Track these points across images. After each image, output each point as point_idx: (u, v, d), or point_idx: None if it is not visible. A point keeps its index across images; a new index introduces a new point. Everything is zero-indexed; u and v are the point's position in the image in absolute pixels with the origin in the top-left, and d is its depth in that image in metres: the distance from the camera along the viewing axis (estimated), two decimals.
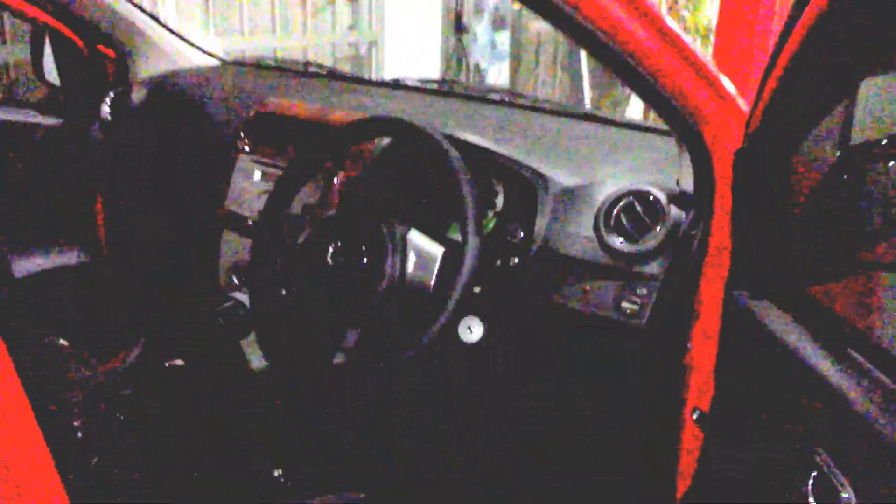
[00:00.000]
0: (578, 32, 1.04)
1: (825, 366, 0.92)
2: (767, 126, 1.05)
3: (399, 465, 1.47)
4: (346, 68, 4.28)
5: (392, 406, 1.42)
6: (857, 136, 1.06)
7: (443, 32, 4.58)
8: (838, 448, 0.89)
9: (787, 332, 1.02)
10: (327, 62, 3.98)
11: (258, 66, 2.24)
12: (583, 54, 4.45)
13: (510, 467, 1.47)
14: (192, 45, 2.26)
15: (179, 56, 2.20)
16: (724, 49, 3.48)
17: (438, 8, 4.49)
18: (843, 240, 1.09)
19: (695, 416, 1.29)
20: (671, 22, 1.10)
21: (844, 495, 0.84)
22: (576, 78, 4.79)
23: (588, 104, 4.90)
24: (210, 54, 2.28)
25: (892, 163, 1.04)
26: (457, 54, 4.67)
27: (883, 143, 1.04)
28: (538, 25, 5.02)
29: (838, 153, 1.10)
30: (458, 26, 4.64)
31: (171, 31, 2.24)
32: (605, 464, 1.40)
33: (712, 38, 4.15)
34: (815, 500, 0.88)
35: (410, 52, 4.41)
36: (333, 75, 2.16)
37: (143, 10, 2.21)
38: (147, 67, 2.15)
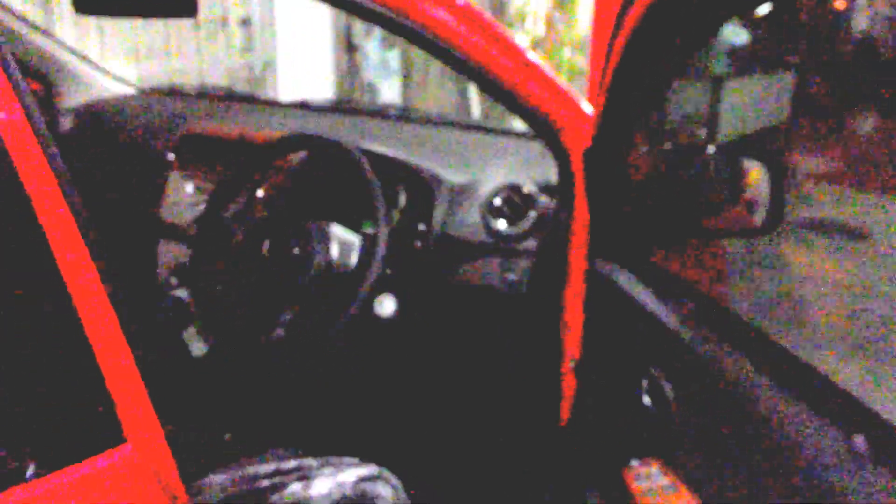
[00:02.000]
0: (446, 57, 1.33)
1: (658, 308, 1.24)
2: (602, 129, 1.37)
3: (334, 424, 1.73)
4: (243, 89, 4.47)
5: (324, 367, 1.67)
6: (670, 133, 1.39)
7: (334, 52, 4.83)
8: (664, 362, 1.21)
9: (631, 287, 1.34)
10: (224, 84, 4.17)
11: (173, 92, 2.45)
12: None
13: (428, 417, 1.75)
14: (110, 74, 2.45)
15: (98, 86, 2.39)
16: (596, 59, 3.87)
17: (329, 28, 4.75)
18: (669, 215, 1.43)
19: (572, 366, 1.60)
20: (530, 52, 1.41)
21: (668, 390, 1.16)
22: (464, 93, 5.13)
23: (477, 115, 5.25)
24: (126, 83, 2.47)
25: (706, 156, 1.38)
26: (349, 73, 4.93)
27: (702, 143, 1.37)
28: None
29: (665, 148, 1.43)
30: (349, 46, 4.91)
31: (90, 62, 2.42)
32: (500, 407, 1.70)
33: (587, 49, 4.57)
34: (649, 396, 1.20)
35: (305, 71, 4.64)
36: (247, 99, 2.41)
37: (62, 43, 2.39)
38: (69, 98, 2.32)
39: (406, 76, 5.10)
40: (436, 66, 5.34)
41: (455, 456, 1.74)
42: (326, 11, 4.70)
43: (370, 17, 1.28)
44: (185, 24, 4.23)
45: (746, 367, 1.00)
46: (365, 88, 4.95)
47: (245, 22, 4.59)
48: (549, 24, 5.34)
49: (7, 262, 0.69)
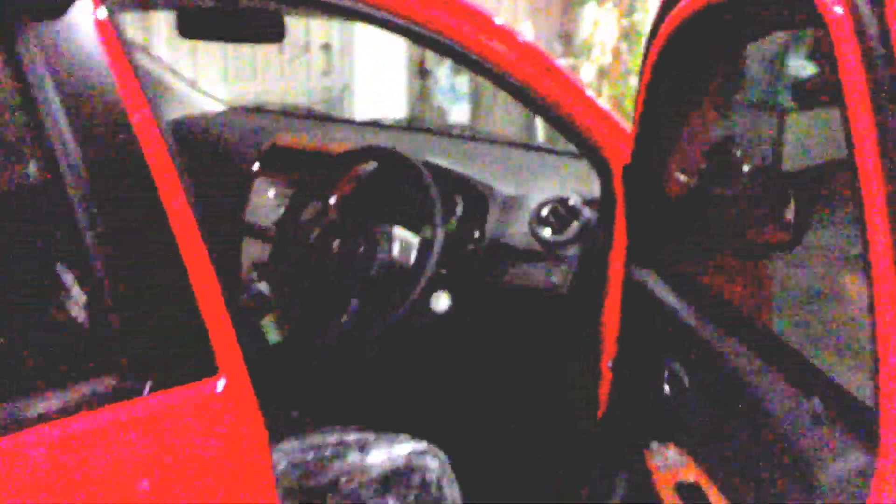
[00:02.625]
0: (509, 88, 1.52)
1: (681, 309, 1.40)
2: (639, 147, 1.53)
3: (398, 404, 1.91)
4: (321, 109, 4.74)
5: (383, 353, 1.86)
6: (705, 152, 1.54)
7: (408, 77, 5.09)
8: (682, 355, 1.36)
9: (660, 290, 1.50)
10: (304, 104, 4.44)
11: (259, 110, 2.70)
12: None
13: (474, 402, 1.93)
14: (202, 93, 2.72)
15: (192, 103, 2.65)
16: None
17: (403, 54, 5.01)
18: (698, 228, 1.58)
19: (609, 365, 1.75)
20: (576, 79, 1.59)
21: (684, 378, 1.31)
22: (530, 120, 5.32)
23: (541, 137, 5.43)
24: (217, 101, 2.74)
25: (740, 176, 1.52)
26: (421, 96, 5.19)
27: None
28: None
29: (699, 166, 1.58)
30: (421, 71, 5.16)
31: (185, 81, 2.70)
32: (542, 398, 1.86)
33: None
34: (669, 386, 1.35)
35: (379, 94, 4.90)
36: (325, 117, 2.65)
37: (162, 63, 2.67)
38: (167, 113, 2.59)
39: (474, 101, 5.33)
40: (502, 92, 5.55)
41: (498, 439, 1.90)
42: (401, 39, 4.96)
43: (441, 50, 1.48)
44: (270, 48, 4.53)
45: (750, 358, 1.15)
46: (435, 112, 5.19)
47: (326, 47, 4.88)
48: (616, 54, 5.49)
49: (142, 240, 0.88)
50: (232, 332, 0.91)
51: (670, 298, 1.45)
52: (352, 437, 1.70)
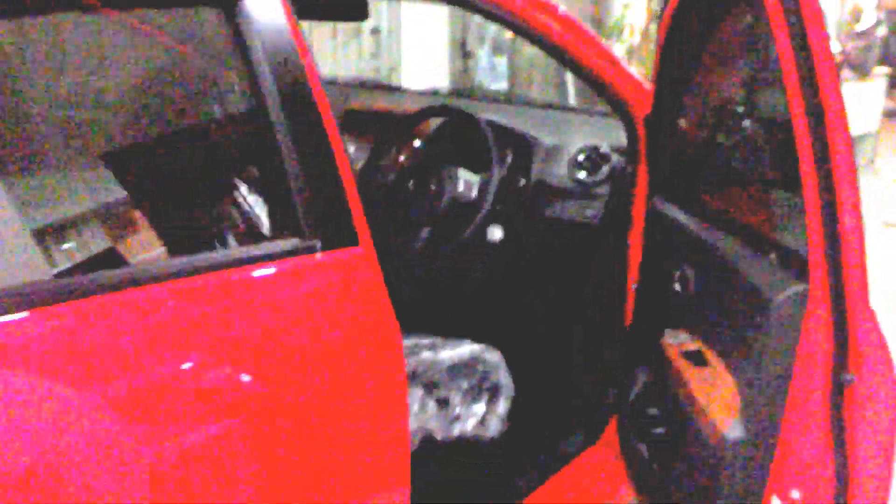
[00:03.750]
0: (552, 51, 1.90)
1: (690, 224, 1.77)
2: (656, 101, 1.91)
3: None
4: None
5: (449, 273, 2.27)
6: (701, 107, 1.92)
7: (451, 58, 5.49)
8: (688, 259, 1.73)
9: (674, 213, 1.87)
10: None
11: (332, 82, 3.10)
12: (568, 74, 5.36)
13: (523, 315, 2.33)
14: None
15: None
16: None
17: (447, 37, 5.40)
18: (702, 167, 1.95)
19: (634, 287, 2.13)
20: (607, 46, 1.97)
21: (691, 276, 1.68)
22: (562, 93, 5.70)
23: None
24: None
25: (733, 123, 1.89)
26: (463, 76, 5.59)
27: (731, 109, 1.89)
28: (531, 51, 5.98)
29: (706, 118, 1.95)
30: (463, 52, 5.56)
31: None
32: (578, 311, 2.25)
33: None
34: (679, 284, 1.73)
35: (424, 74, 5.30)
36: (389, 87, 3.06)
37: None
38: None
39: (512, 79, 5.73)
40: (537, 70, 5.94)
41: (542, 343, 2.30)
42: (445, 23, 5.35)
43: (504, 22, 1.85)
44: (324, 32, 4.95)
45: (733, 245, 1.53)
46: (476, 89, 5.60)
47: (375, 31, 5.29)
48: (645, 34, 5.84)
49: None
50: (364, 221, 1.31)
51: (682, 218, 1.83)
52: (425, 340, 2.11)
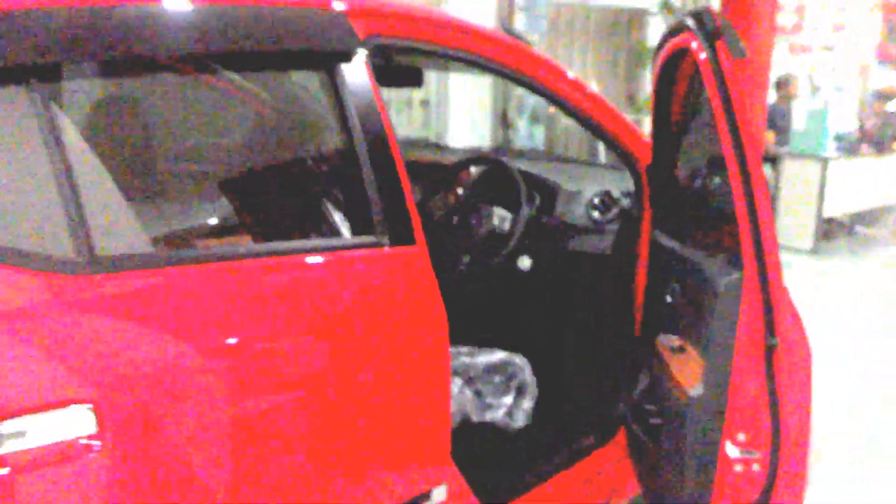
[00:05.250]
0: (575, 115, 2.37)
1: (679, 249, 2.20)
2: (654, 154, 2.37)
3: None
4: None
5: (485, 293, 2.71)
6: (692, 162, 2.37)
7: (493, 127, 6.04)
8: (679, 278, 2.16)
9: (668, 242, 2.31)
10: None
11: None
12: (599, 144, 5.87)
13: (548, 329, 2.75)
14: None
15: None
16: None
17: (489, 109, 5.97)
18: (691, 208, 2.39)
19: (642, 309, 2.55)
20: (619, 113, 2.43)
21: (678, 290, 2.10)
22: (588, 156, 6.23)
23: None
24: None
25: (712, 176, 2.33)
26: (504, 143, 6.13)
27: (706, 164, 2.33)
28: (566, 121, 6.53)
29: (690, 167, 2.40)
30: (504, 122, 6.12)
31: None
32: (595, 324, 2.67)
33: None
34: (671, 297, 2.14)
35: (469, 142, 5.85)
36: (438, 145, 3.56)
37: None
38: None
39: (548, 146, 6.27)
40: (573, 139, 6.48)
41: (562, 354, 2.72)
42: (488, 95, 5.92)
43: (540, 93, 2.30)
44: None
45: (705, 260, 1.96)
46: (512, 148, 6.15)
47: (425, 103, 5.88)
48: None
49: None
50: (420, 228, 1.76)
51: (673, 245, 2.26)
52: (463, 349, 2.54)
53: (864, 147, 7.19)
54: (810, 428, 1.76)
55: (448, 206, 2.73)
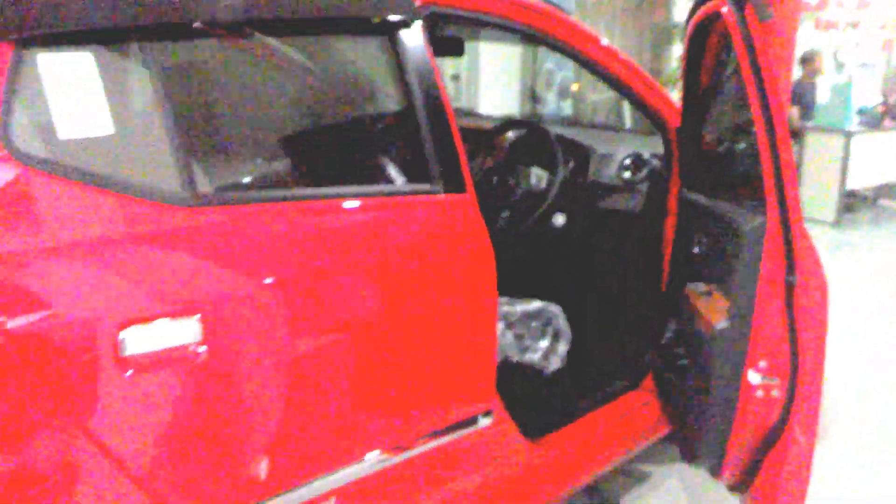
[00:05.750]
0: (609, 80, 2.53)
1: (706, 204, 2.36)
2: (684, 118, 2.53)
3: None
4: None
5: (524, 247, 2.89)
6: (720, 124, 2.53)
7: (521, 101, 6.20)
8: (704, 228, 2.32)
9: (695, 198, 2.48)
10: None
11: None
12: (626, 113, 6.01)
13: (581, 282, 2.94)
14: None
15: None
16: None
17: (518, 83, 6.12)
18: (718, 168, 2.55)
19: (669, 262, 2.73)
20: (652, 79, 2.60)
21: (704, 240, 2.27)
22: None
23: None
24: None
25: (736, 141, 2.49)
26: (533, 117, 6.29)
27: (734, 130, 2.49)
28: (593, 97, 6.67)
29: (717, 130, 2.56)
30: (533, 97, 6.27)
31: None
32: (626, 278, 2.85)
33: None
34: (699, 248, 2.31)
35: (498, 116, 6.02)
36: (475, 113, 3.74)
37: None
38: None
39: (578, 118, 6.42)
40: (599, 112, 6.62)
41: (595, 303, 2.91)
42: (517, 71, 6.07)
43: (576, 59, 2.47)
44: None
45: (732, 208, 2.12)
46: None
47: (456, 77, 6.04)
48: None
49: None
50: (469, 178, 1.94)
51: (700, 200, 2.43)
52: (503, 298, 2.73)
53: (888, 121, 7.27)
54: (824, 357, 1.93)
55: (488, 167, 2.91)
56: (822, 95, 7.18)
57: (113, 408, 1.32)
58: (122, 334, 1.32)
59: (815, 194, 7.02)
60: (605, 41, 2.44)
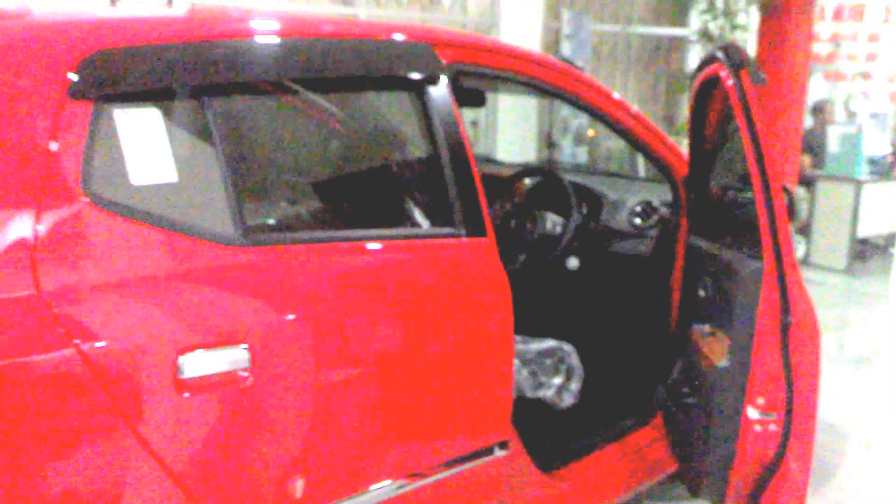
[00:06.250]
0: (620, 131, 2.70)
1: (711, 249, 2.52)
2: (691, 168, 2.70)
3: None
4: None
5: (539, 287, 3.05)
6: (724, 175, 2.69)
7: (538, 147, 6.40)
8: (710, 273, 2.47)
9: (701, 244, 2.63)
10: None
11: None
12: (640, 163, 6.21)
13: (593, 322, 3.08)
14: None
15: None
16: None
17: (535, 130, 6.33)
18: (723, 216, 2.70)
19: (677, 305, 2.87)
20: (659, 129, 2.77)
21: (710, 285, 2.42)
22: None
23: None
24: None
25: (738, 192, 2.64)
26: (549, 163, 6.49)
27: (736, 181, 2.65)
28: (608, 143, 6.87)
29: (722, 180, 2.72)
30: (549, 142, 6.47)
31: None
32: (635, 320, 2.99)
33: None
34: (704, 292, 2.46)
35: (514, 161, 6.21)
36: (493, 160, 3.92)
37: None
38: None
39: (591, 165, 6.61)
40: (614, 159, 6.82)
41: (606, 344, 3.05)
42: (534, 117, 6.27)
43: (588, 112, 2.65)
44: None
45: (733, 255, 2.27)
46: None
47: (475, 123, 6.24)
48: None
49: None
50: (490, 223, 2.10)
51: (706, 246, 2.58)
52: (518, 337, 2.87)
53: None
54: (818, 393, 2.07)
55: (506, 212, 3.08)
56: (833, 144, 7.34)
57: (171, 422, 1.47)
58: (181, 359, 1.48)
59: (827, 242, 7.14)
60: (616, 95, 2.62)
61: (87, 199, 1.43)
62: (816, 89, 8.63)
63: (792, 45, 6.06)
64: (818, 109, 7.87)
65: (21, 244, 1.35)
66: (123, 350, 1.41)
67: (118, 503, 1.43)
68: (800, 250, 7.17)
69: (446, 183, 2.01)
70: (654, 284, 2.91)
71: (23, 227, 1.36)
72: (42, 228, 1.37)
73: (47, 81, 1.44)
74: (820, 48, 8.75)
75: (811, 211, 7.26)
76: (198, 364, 1.50)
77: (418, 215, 2.12)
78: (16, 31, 1.50)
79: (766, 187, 1.98)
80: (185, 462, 1.49)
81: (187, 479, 1.50)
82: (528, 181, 3.17)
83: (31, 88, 1.43)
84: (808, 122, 7.76)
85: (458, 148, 2.03)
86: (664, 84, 8.13)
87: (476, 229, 2.04)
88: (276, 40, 1.76)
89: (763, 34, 6.12)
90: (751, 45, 7.33)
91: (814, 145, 7.58)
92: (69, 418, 1.36)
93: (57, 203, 1.40)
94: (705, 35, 7.91)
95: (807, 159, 7.47)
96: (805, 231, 7.31)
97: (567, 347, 2.82)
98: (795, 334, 1.96)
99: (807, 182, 7.28)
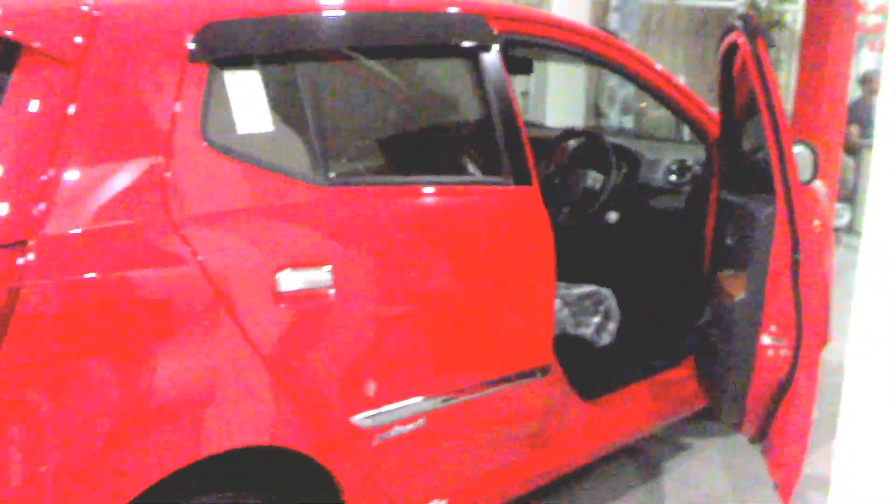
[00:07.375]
0: (657, 96, 2.95)
1: (738, 201, 2.77)
2: (722, 129, 2.94)
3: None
4: None
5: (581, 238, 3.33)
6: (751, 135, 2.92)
7: (586, 116, 6.62)
8: (735, 222, 2.72)
9: (730, 197, 2.88)
10: None
11: None
12: (684, 131, 6.39)
13: (631, 272, 3.36)
14: None
15: None
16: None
17: (582, 99, 6.55)
18: (750, 173, 2.95)
19: (709, 255, 3.13)
20: (696, 96, 3.01)
21: (735, 233, 2.68)
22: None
23: None
24: None
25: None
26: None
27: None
28: (655, 113, 7.06)
29: (750, 141, 2.96)
30: (596, 112, 6.69)
31: None
32: (671, 267, 3.25)
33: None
34: (729, 239, 2.71)
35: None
36: (541, 125, 4.21)
37: None
38: None
39: (632, 130, 6.82)
40: (660, 128, 7.02)
41: (643, 288, 3.32)
42: (582, 88, 6.50)
43: (631, 79, 2.91)
44: None
45: (753, 203, 2.52)
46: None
47: (525, 94, 6.50)
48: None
49: None
50: (535, 173, 2.39)
51: (733, 198, 2.82)
52: (561, 283, 3.17)
53: None
54: (826, 322, 2.33)
55: (552, 170, 3.37)
56: None
57: (269, 326, 1.80)
58: (279, 275, 1.80)
59: None
60: (658, 65, 2.88)
61: (205, 144, 1.76)
62: (865, 60, 8.66)
63: (839, 17, 6.15)
64: (866, 80, 7.93)
65: (155, 180, 1.69)
66: (233, 266, 1.74)
67: (228, 383, 1.75)
68: (845, 218, 7.28)
69: (496, 138, 2.29)
70: (687, 236, 3.17)
71: (156, 166, 1.69)
72: (171, 167, 1.71)
73: (172, 49, 1.77)
74: (867, 19, 8.76)
75: (857, 180, 7.36)
76: (292, 280, 1.83)
77: (472, 166, 2.43)
78: (144, 6, 1.83)
79: (779, 140, 2.23)
80: (278, 356, 1.81)
81: (278, 369, 1.81)
82: (572, 142, 3.44)
83: (159, 56, 1.76)
84: (856, 92, 7.83)
85: (507, 107, 2.32)
86: (712, 54, 8.24)
87: (522, 178, 2.33)
88: (353, 14, 2.07)
89: (810, 5, 6.22)
90: (798, 17, 7.43)
91: (862, 116, 7.66)
92: (191, 318, 1.69)
93: (182, 147, 1.73)
94: (753, 6, 8.01)
95: (855, 129, 7.56)
96: (851, 199, 7.42)
97: (605, 292, 3.10)
98: (805, 269, 2.22)
99: (854, 152, 7.38)
